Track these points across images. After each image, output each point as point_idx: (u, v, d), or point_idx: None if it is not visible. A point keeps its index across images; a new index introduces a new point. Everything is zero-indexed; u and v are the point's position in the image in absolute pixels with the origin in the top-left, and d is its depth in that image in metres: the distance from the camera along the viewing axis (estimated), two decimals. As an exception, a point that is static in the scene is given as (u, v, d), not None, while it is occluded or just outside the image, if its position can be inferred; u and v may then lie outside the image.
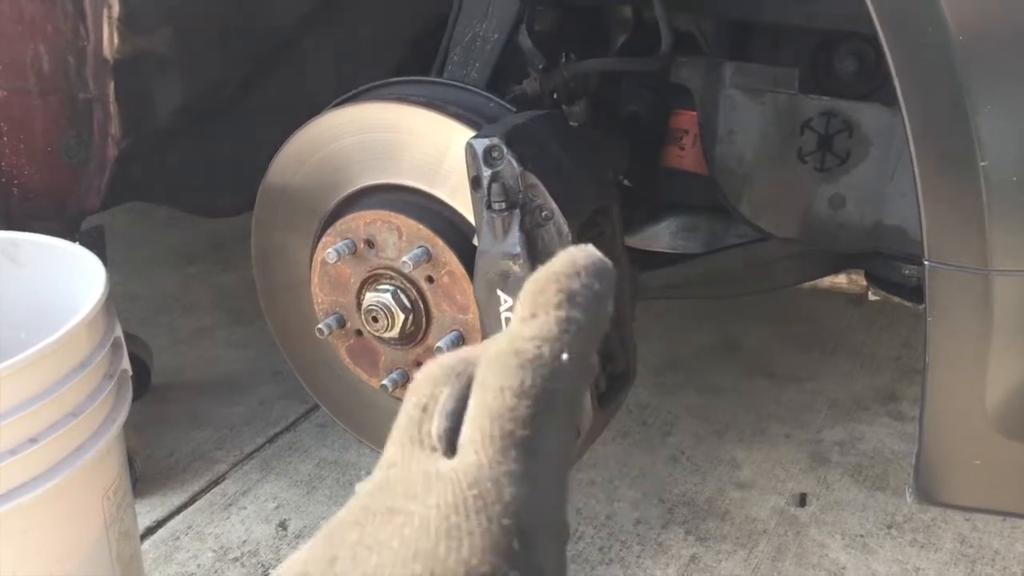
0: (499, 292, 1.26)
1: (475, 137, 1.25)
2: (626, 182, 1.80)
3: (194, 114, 1.84)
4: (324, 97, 1.56)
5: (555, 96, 1.68)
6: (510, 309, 1.26)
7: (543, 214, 1.23)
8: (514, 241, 1.23)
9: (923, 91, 0.98)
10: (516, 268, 1.24)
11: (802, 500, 1.92)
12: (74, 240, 1.55)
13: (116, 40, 1.62)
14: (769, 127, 1.53)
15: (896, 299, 1.56)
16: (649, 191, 1.79)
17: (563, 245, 1.24)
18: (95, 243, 1.71)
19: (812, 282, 1.80)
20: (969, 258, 1.01)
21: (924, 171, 1.00)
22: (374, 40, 2.07)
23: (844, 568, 1.74)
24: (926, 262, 1.03)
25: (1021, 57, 0.95)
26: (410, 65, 1.94)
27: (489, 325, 1.29)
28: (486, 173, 1.23)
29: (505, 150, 1.22)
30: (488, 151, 1.23)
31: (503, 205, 1.22)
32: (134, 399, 1.39)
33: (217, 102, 1.89)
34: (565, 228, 1.23)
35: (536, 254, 1.24)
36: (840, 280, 1.78)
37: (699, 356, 2.46)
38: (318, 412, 2.18)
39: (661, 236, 1.82)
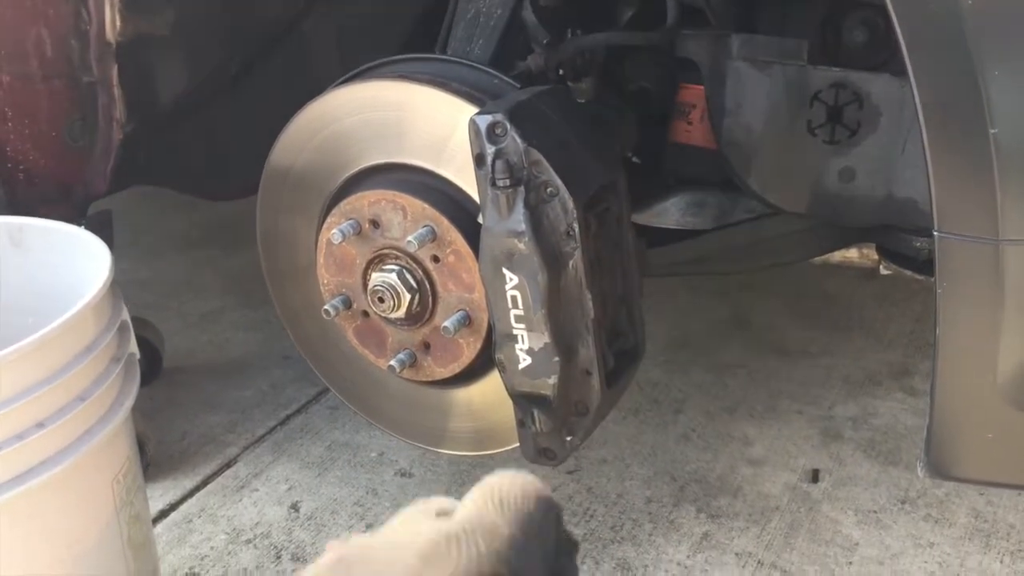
0: (504, 270, 1.25)
1: (478, 114, 1.24)
2: (634, 158, 1.78)
3: (198, 96, 1.84)
4: (328, 76, 1.55)
5: (561, 72, 1.67)
6: (515, 287, 1.25)
7: (548, 191, 1.22)
8: (519, 218, 1.22)
9: (932, 58, 0.96)
10: (521, 246, 1.23)
11: (815, 476, 1.91)
12: (81, 225, 1.55)
13: (119, 23, 1.61)
14: (777, 100, 1.51)
15: (908, 273, 1.54)
16: (657, 166, 1.77)
17: (568, 222, 1.22)
18: (102, 227, 1.70)
19: (823, 257, 1.79)
20: (979, 228, 0.99)
21: (933, 140, 0.98)
22: (378, 17, 2.06)
23: (857, 544, 1.73)
24: (936, 232, 1.02)
25: (1031, 21, 0.93)
26: (415, 42, 1.92)
27: (494, 303, 1.28)
28: (490, 150, 1.22)
29: (509, 126, 1.20)
30: (491, 127, 1.21)
31: (507, 182, 1.21)
32: (145, 384, 1.39)
33: (220, 83, 1.88)
34: (570, 204, 1.22)
35: (541, 231, 1.23)
36: (851, 254, 1.76)
37: (710, 333, 2.45)
38: (328, 395, 2.19)
39: (670, 212, 1.81)
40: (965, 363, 1.09)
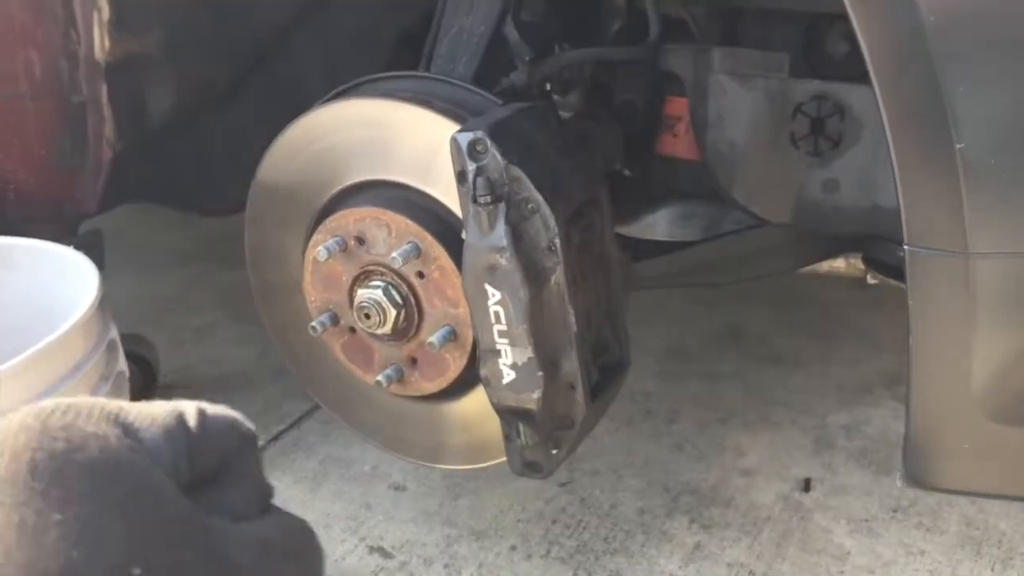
0: (487, 286, 1.26)
1: (459, 131, 1.24)
2: (627, 171, 1.79)
3: (187, 113, 1.85)
4: (319, 93, 1.56)
5: (548, 87, 1.68)
6: (498, 302, 1.25)
7: (529, 207, 1.23)
8: (500, 234, 1.22)
9: (896, 73, 0.97)
10: (503, 261, 1.23)
11: (807, 485, 1.92)
12: (70, 244, 1.56)
13: (107, 43, 1.62)
14: (760, 112, 1.52)
15: (894, 282, 1.54)
16: (645, 179, 1.78)
17: (549, 237, 1.23)
18: (93, 246, 1.71)
19: (811, 267, 1.79)
20: (948, 241, 1.00)
21: (900, 155, 0.99)
22: (368, 34, 2.07)
23: (849, 553, 1.73)
24: (906, 246, 1.02)
25: (994, 37, 0.94)
26: (406, 58, 1.93)
27: (478, 319, 1.29)
28: (471, 167, 1.22)
29: (489, 143, 1.21)
30: (472, 145, 1.22)
31: (488, 199, 1.22)
32: (141, 399, 1.39)
33: (210, 101, 1.89)
34: (551, 221, 1.23)
35: (522, 247, 1.23)
36: (839, 264, 1.77)
37: (703, 343, 2.45)
38: (322, 410, 2.19)
39: (658, 224, 1.82)
40: (939, 376, 1.10)
